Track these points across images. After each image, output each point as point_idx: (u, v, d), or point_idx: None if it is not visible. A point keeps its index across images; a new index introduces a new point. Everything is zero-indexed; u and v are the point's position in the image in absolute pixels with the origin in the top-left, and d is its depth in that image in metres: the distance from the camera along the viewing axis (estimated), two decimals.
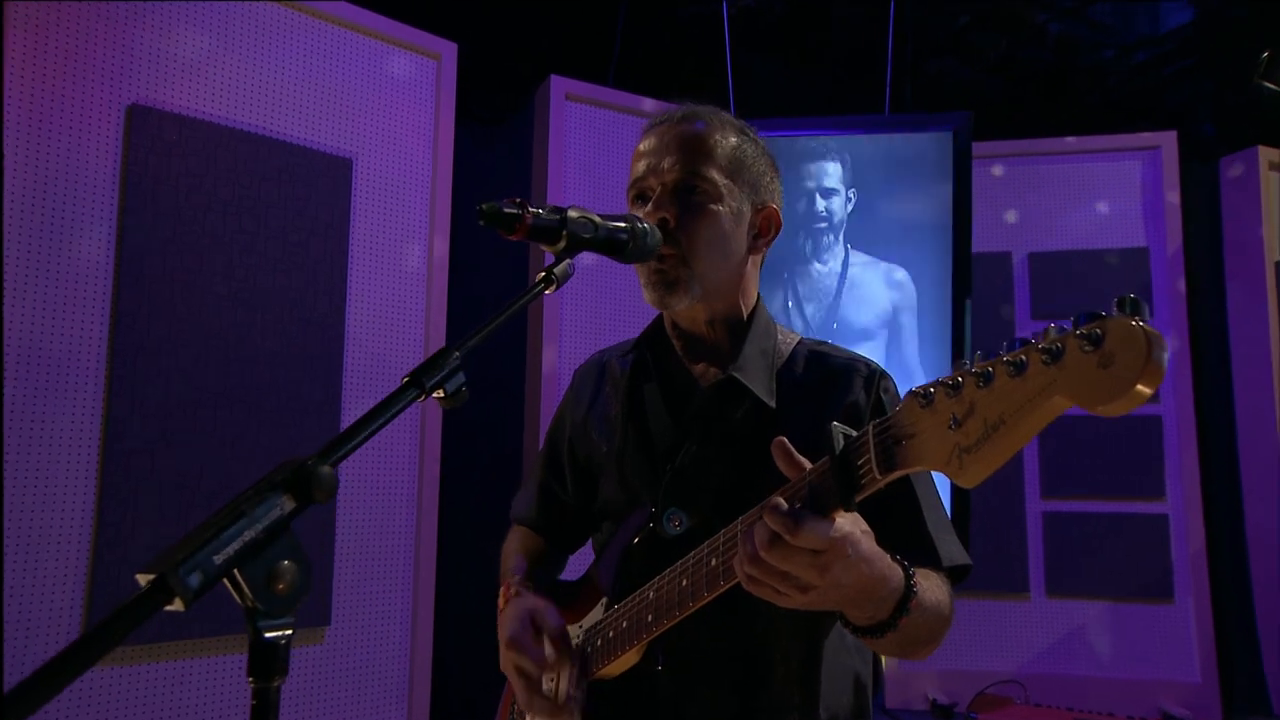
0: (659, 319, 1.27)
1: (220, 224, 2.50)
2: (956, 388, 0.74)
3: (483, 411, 3.01)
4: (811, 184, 3.16)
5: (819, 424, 0.94)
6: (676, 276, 1.13)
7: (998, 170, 3.78)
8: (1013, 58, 3.90)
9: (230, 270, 2.52)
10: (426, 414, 2.84)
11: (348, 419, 2.65)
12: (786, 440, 0.90)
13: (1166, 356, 0.64)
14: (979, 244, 3.42)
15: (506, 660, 1.17)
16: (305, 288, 2.62)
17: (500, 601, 1.26)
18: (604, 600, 1.17)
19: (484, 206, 0.87)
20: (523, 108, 3.16)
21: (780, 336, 1.22)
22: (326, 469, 0.69)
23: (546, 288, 0.90)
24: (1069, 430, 3.72)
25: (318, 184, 2.67)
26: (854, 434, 0.86)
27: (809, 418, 1.11)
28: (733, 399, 1.16)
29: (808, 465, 0.89)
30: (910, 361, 3.14)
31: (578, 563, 1.39)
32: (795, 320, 2.95)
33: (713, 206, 1.16)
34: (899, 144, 3.00)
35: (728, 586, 0.97)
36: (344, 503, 2.67)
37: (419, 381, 0.78)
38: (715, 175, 1.16)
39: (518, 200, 0.90)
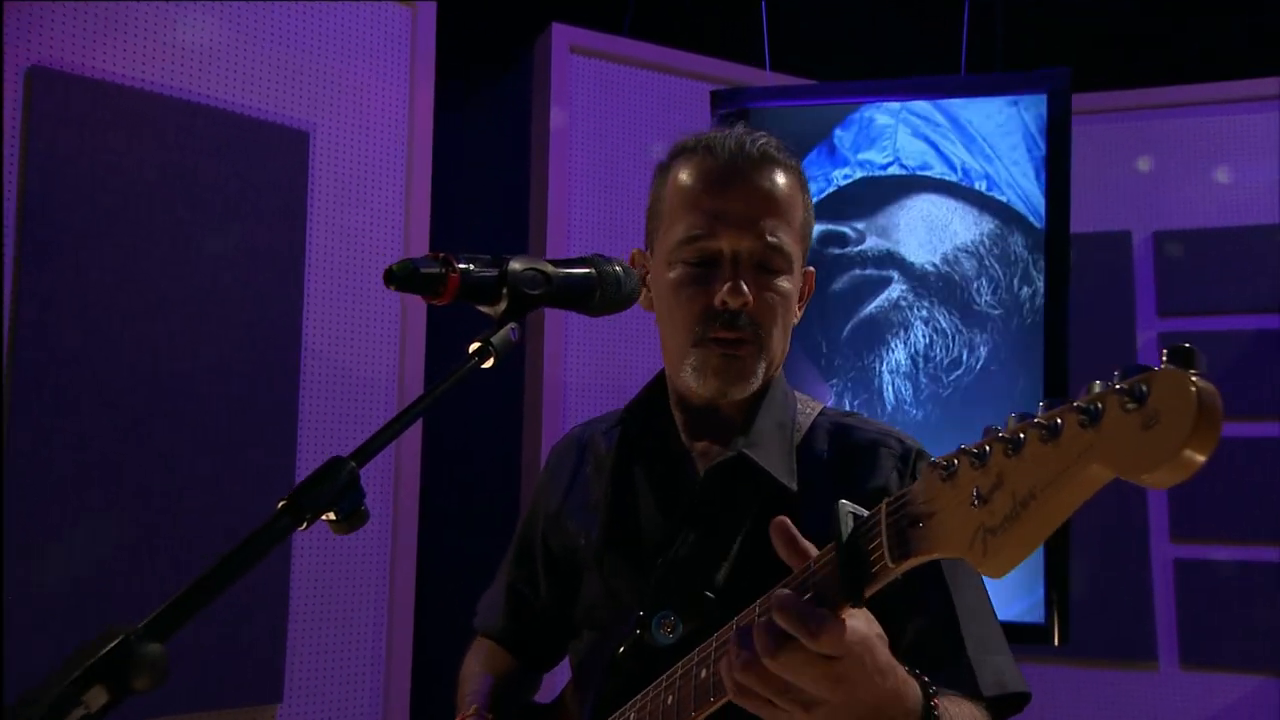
0: (655, 385, 1.19)
1: (146, 212, 2.28)
2: (982, 457, 0.69)
3: (474, 425, 2.90)
4: (856, 171, 2.75)
5: None
6: (751, 367, 1.08)
7: (1102, 131, 3.28)
8: None
9: (160, 267, 2.30)
10: (403, 437, 2.49)
11: (306, 446, 2.47)
12: (788, 520, 0.85)
13: (1220, 417, 0.58)
14: (1080, 224, 2.90)
15: None
16: (253, 287, 2.43)
17: None
18: None
19: (393, 268, 0.79)
20: (518, 65, 2.95)
21: (800, 406, 1.16)
22: (155, 646, 0.61)
23: (482, 363, 0.81)
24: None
25: (267, 162, 2.47)
26: (865, 514, 0.81)
27: (832, 501, 0.97)
28: (743, 481, 1.08)
29: (814, 552, 0.84)
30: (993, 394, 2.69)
31: (556, 679, 1.30)
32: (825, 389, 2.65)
33: (785, 284, 1.11)
34: (977, 112, 2.66)
35: (720, 703, 0.90)
36: (301, 550, 2.47)
37: (297, 507, 0.69)
38: (794, 246, 1.11)
39: (440, 255, 0.82)
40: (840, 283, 2.71)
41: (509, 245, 2.93)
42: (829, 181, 2.74)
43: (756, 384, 1.09)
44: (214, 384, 2.35)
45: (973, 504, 0.70)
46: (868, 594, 0.79)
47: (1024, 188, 2.66)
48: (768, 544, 0.90)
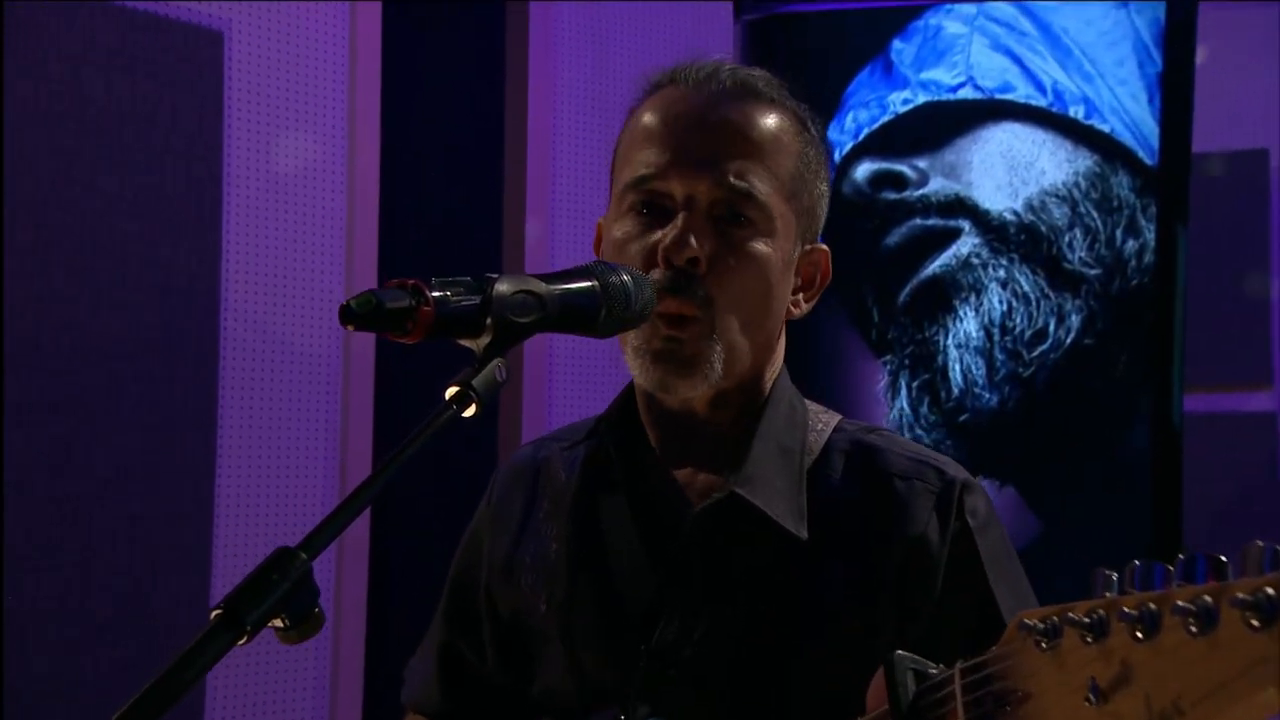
0: (629, 391, 1.09)
1: (15, 137, 2.12)
2: (1098, 630, 0.60)
3: (442, 460, 2.64)
4: (918, 95, 2.57)
5: (869, 566, 0.94)
6: (695, 352, 0.98)
7: (1233, 21, 2.95)
8: None
9: (33, 211, 2.15)
10: (348, 437, 2.51)
11: (227, 429, 2.38)
12: None
13: None
14: (1201, 144, 2.67)
15: None
16: (156, 236, 2.32)
17: None
18: None
19: (351, 305, 0.73)
20: None
21: (810, 421, 1.06)
22: None
23: (462, 411, 0.76)
24: None
25: (170, 73, 2.32)
26: (932, 671, 0.74)
27: (854, 555, 0.98)
28: (739, 528, 0.99)
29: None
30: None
31: None
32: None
33: (761, 247, 1.00)
34: (1074, 17, 2.48)
35: None
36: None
37: (235, 617, 0.65)
38: (773, 197, 1.01)
39: (410, 282, 0.76)
40: (896, 236, 2.52)
41: (485, 174, 2.82)
42: (884, 108, 2.53)
43: (712, 379, 1.00)
44: (108, 358, 2.24)
45: (1087, 700, 0.62)
46: None
47: (1132, 114, 2.47)
48: (777, 611, 0.90)
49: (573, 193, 2.82)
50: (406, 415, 2.66)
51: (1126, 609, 0.59)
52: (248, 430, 2.40)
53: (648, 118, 1.03)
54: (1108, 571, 0.63)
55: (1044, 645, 0.64)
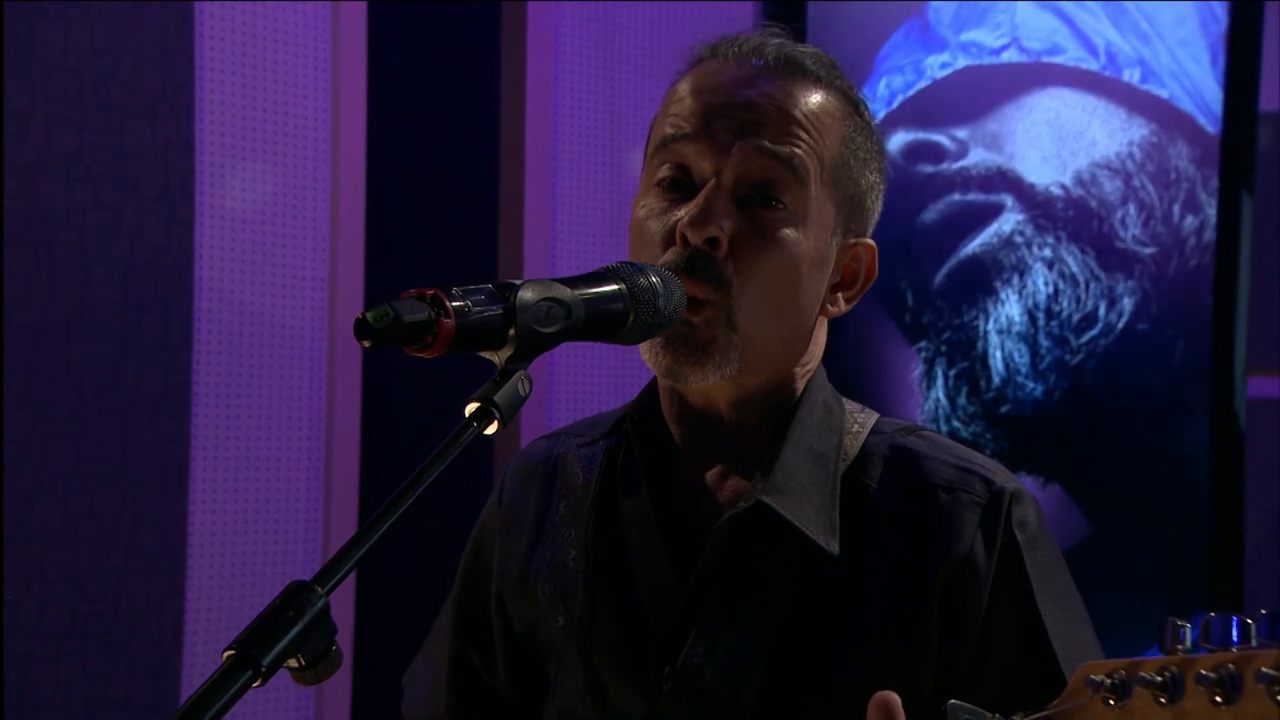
0: (653, 385, 1.08)
1: None
2: (1173, 690, 0.60)
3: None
4: (957, 58, 2.50)
5: (910, 586, 0.92)
6: (711, 338, 0.96)
7: None
8: None
9: None
10: (334, 424, 2.44)
11: (202, 418, 2.28)
12: (893, 698, 0.78)
13: None
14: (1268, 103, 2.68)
15: None
16: (123, 206, 2.22)
17: None
18: None
19: (368, 319, 0.73)
20: None
21: (846, 421, 1.05)
22: None
23: (484, 429, 0.75)
24: None
25: (135, 36, 2.25)
26: None
27: (893, 573, 0.95)
28: (767, 541, 0.98)
29: None
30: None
31: None
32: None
33: (790, 233, 0.97)
34: None
35: None
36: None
37: (248, 657, 0.65)
38: (809, 179, 0.97)
39: (429, 292, 0.75)
40: (933, 212, 2.47)
41: (481, 134, 2.69)
42: (920, 73, 2.47)
43: (726, 370, 0.98)
44: (71, 338, 2.15)
45: None
46: None
47: (1193, 77, 2.46)
48: (809, 633, 0.92)
49: (582, 159, 2.71)
50: (397, 400, 2.47)
51: (1204, 671, 0.60)
52: (225, 419, 2.29)
53: (682, 88, 1.03)
54: (1179, 622, 0.63)
55: (1111, 703, 0.65)
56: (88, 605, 2.12)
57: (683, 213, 0.96)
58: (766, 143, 0.97)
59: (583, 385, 2.76)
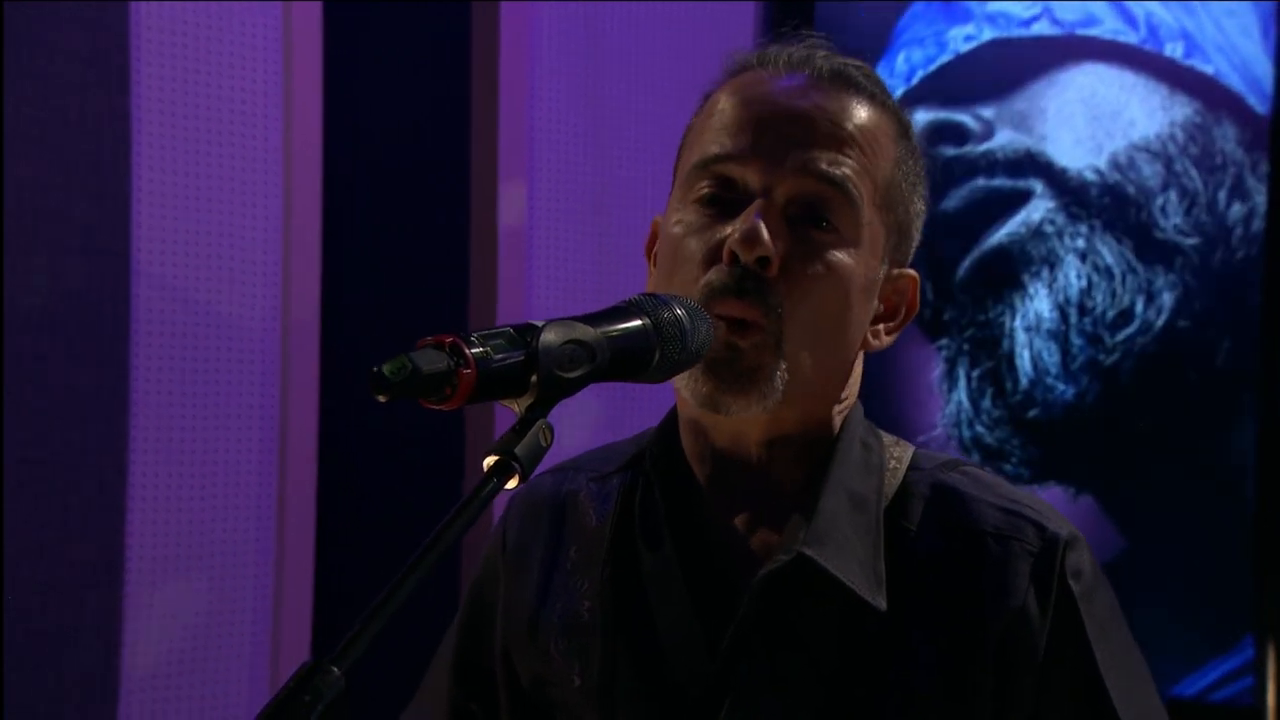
0: (672, 417, 1.07)
1: None
2: None
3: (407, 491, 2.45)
4: (983, 30, 2.45)
5: (961, 643, 0.92)
6: (756, 365, 0.94)
7: None
8: None
9: None
10: (288, 428, 2.40)
11: (142, 418, 2.22)
12: None
13: None
14: None
15: None
16: (49, 182, 2.16)
17: None
18: None
19: (385, 372, 0.73)
20: None
21: (881, 458, 1.04)
22: None
23: (504, 483, 0.75)
24: None
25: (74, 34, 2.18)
26: None
27: (942, 628, 0.95)
28: (809, 596, 0.97)
29: None
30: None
31: None
32: None
33: (843, 257, 0.96)
34: None
35: None
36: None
37: None
38: (864, 201, 0.98)
39: (447, 340, 0.76)
40: (956, 198, 2.42)
41: (453, 109, 2.52)
42: (942, 46, 2.42)
43: (769, 402, 0.95)
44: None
45: None
46: None
47: (1242, 52, 2.43)
48: (856, 697, 0.93)
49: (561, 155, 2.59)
50: (357, 401, 2.50)
51: None
52: (167, 419, 2.18)
53: (725, 100, 1.02)
54: None
55: None
56: (10, 619, 2.01)
57: (731, 229, 0.95)
58: (821, 159, 0.98)
59: (577, 406, 2.72)
